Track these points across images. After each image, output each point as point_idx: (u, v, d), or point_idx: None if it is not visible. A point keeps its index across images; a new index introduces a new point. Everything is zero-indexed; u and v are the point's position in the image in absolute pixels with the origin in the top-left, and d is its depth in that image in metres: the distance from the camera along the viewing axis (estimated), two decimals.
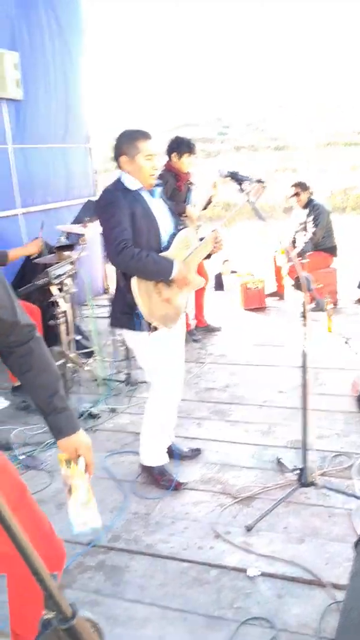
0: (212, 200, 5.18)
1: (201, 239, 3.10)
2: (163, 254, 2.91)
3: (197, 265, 3.10)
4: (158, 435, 3.13)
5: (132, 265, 2.80)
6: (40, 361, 1.72)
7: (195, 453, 3.42)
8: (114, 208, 2.84)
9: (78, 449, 1.73)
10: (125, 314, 2.92)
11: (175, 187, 5.06)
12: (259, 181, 2.81)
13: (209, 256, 3.20)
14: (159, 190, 3.02)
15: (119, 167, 2.95)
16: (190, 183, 5.19)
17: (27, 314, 1.73)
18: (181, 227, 3.09)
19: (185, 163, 5.01)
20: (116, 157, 2.94)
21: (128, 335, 3.08)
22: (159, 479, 3.15)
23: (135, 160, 2.87)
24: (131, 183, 2.91)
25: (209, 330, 5.79)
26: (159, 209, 2.99)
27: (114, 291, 3.10)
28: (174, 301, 2.96)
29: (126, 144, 2.90)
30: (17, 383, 4.46)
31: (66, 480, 1.73)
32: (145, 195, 2.94)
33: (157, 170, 2.94)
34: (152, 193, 2.98)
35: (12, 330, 1.67)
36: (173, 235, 3.00)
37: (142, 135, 2.91)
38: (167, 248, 2.96)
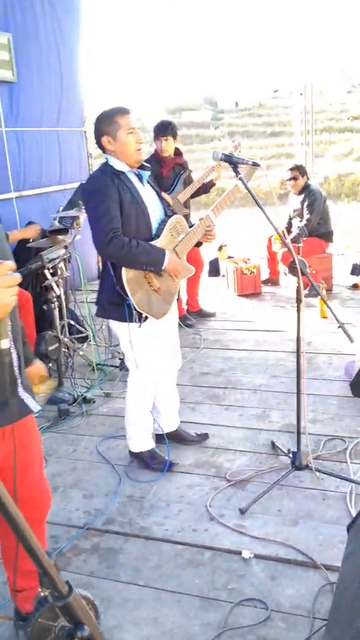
0: (215, 183, 5.14)
1: (191, 227, 3.03)
2: (153, 242, 2.82)
3: (186, 253, 3.02)
4: (141, 421, 3.10)
5: (122, 256, 2.70)
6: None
7: (203, 438, 3.41)
8: (102, 195, 2.73)
9: (40, 372, 2.07)
10: (113, 304, 2.84)
11: (158, 172, 4.97)
12: (255, 164, 2.78)
13: (199, 244, 3.12)
14: (147, 174, 2.92)
15: (103, 150, 2.85)
16: (182, 168, 5.12)
17: None
18: (170, 213, 3.01)
19: (163, 146, 4.93)
20: (98, 140, 2.84)
21: (115, 325, 2.98)
22: (150, 463, 3.16)
23: (117, 137, 2.77)
24: (119, 165, 2.81)
25: (202, 315, 5.77)
26: (148, 194, 2.90)
27: (100, 280, 2.99)
28: (165, 291, 2.90)
29: (105, 122, 2.79)
30: None
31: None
32: (134, 179, 2.85)
33: (142, 144, 2.82)
34: (140, 178, 2.89)
35: None
36: (162, 222, 2.91)
37: (120, 110, 2.80)
38: (157, 236, 2.87)
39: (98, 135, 2.83)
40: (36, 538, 0.82)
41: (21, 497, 1.82)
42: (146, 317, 2.83)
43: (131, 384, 3.06)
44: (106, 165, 2.85)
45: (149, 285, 2.83)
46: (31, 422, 1.89)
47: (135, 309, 2.78)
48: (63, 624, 0.84)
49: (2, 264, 1.26)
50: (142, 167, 2.90)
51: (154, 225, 2.89)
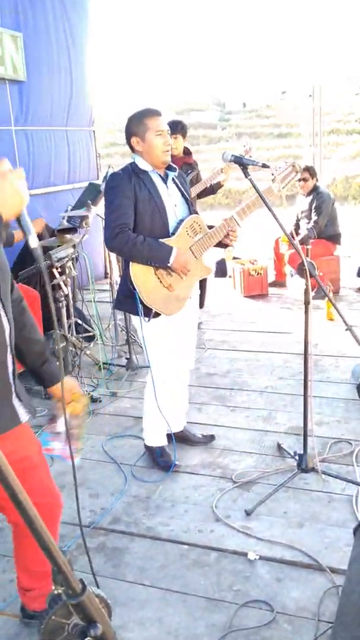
0: (222, 185, 5.15)
1: (210, 227, 3.03)
2: (166, 239, 2.85)
3: (203, 254, 3.02)
4: (155, 417, 3.12)
5: (126, 250, 2.78)
6: (31, 319, 1.92)
7: (208, 439, 3.42)
8: (116, 192, 2.82)
9: (72, 389, 1.95)
10: (127, 297, 2.91)
11: None
12: (265, 165, 2.78)
13: (224, 246, 3.09)
14: (172, 174, 2.97)
15: (132, 150, 2.92)
16: (190, 167, 5.11)
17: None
18: (193, 214, 3.01)
19: (172, 144, 4.90)
20: (128, 140, 2.91)
21: (134, 318, 3.06)
22: (157, 459, 3.19)
23: (146, 138, 2.83)
24: (143, 165, 2.88)
25: None
26: (170, 194, 2.93)
27: (121, 274, 3.08)
28: (177, 288, 2.90)
29: (135, 123, 2.87)
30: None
31: (53, 411, 2.03)
32: (156, 179, 2.90)
33: (169, 146, 2.88)
34: (164, 178, 2.93)
35: (13, 286, 1.82)
36: (181, 222, 2.94)
37: (150, 112, 2.87)
38: (174, 234, 2.90)
39: (128, 135, 2.90)
40: (52, 536, 0.82)
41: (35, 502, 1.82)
42: (156, 313, 2.86)
43: (149, 378, 3.11)
44: (131, 164, 2.92)
45: (160, 282, 2.86)
46: (25, 428, 1.84)
47: (142, 303, 2.83)
48: (76, 622, 0.85)
49: (1, 160, 1.26)
50: (169, 167, 2.95)
51: (172, 224, 2.91)
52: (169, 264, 2.81)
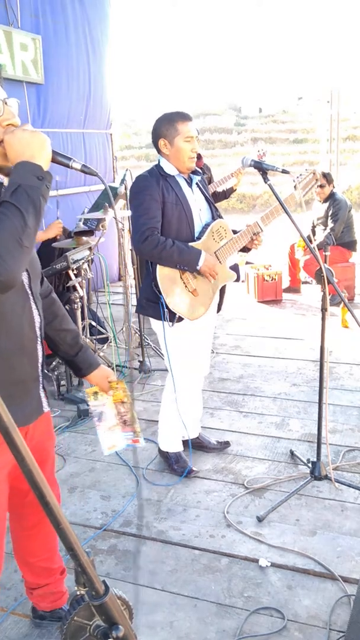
0: (235, 189, 5.15)
1: (235, 232, 3.03)
2: (193, 244, 2.84)
3: (227, 258, 3.02)
4: (173, 422, 3.13)
5: (155, 254, 2.74)
6: (61, 309, 1.94)
7: (224, 446, 3.41)
8: (145, 195, 2.79)
9: (109, 376, 2.00)
10: (150, 302, 2.89)
11: None
12: (284, 171, 2.77)
13: (247, 250, 3.11)
14: (197, 178, 2.97)
15: (158, 151, 2.90)
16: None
17: None
18: (217, 218, 3.02)
19: None
20: (155, 141, 2.89)
21: (153, 323, 3.04)
22: (173, 465, 3.17)
23: (174, 142, 2.82)
24: (169, 168, 2.87)
25: None
26: (195, 198, 2.94)
27: (143, 278, 3.06)
28: (201, 293, 2.90)
29: (165, 126, 2.84)
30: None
31: (96, 409, 2.01)
32: (182, 182, 2.90)
33: (196, 153, 2.89)
34: (189, 182, 2.93)
35: (42, 279, 1.83)
36: (206, 226, 2.94)
37: (182, 117, 2.84)
38: (199, 238, 2.90)
39: (156, 136, 2.88)
40: (75, 537, 0.82)
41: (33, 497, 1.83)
42: (180, 318, 2.85)
43: (168, 383, 3.11)
44: (156, 166, 2.91)
45: (185, 286, 2.85)
46: (48, 421, 1.89)
47: (167, 308, 2.81)
48: (98, 623, 0.85)
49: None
50: (194, 171, 2.95)
51: (197, 229, 2.91)
52: (197, 268, 2.80)
